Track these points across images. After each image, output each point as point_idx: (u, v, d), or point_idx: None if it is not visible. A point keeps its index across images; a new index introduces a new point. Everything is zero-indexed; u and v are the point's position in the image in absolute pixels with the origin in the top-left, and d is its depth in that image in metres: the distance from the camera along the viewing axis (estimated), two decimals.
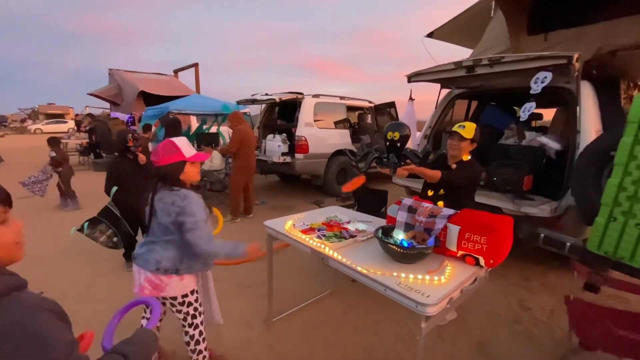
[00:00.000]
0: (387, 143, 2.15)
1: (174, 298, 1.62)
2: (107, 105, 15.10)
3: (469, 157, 2.21)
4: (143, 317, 1.80)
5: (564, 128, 3.58)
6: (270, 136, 6.04)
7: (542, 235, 2.79)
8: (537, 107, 2.98)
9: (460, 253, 1.63)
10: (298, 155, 5.65)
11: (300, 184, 7.27)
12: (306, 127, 5.70)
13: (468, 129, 2.14)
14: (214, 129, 7.88)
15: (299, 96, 5.88)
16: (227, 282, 2.93)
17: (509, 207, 2.91)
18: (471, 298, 1.65)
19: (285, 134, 5.97)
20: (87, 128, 9.87)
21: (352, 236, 1.92)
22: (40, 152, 6.55)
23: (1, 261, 0.63)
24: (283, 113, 7.05)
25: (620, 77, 3.40)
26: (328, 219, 2.28)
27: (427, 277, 1.45)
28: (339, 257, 1.66)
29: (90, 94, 14.36)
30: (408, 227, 1.78)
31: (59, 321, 0.63)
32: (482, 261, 1.56)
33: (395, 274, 1.48)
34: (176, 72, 16.38)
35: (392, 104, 7.17)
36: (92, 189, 6.60)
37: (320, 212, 2.52)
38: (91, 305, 2.49)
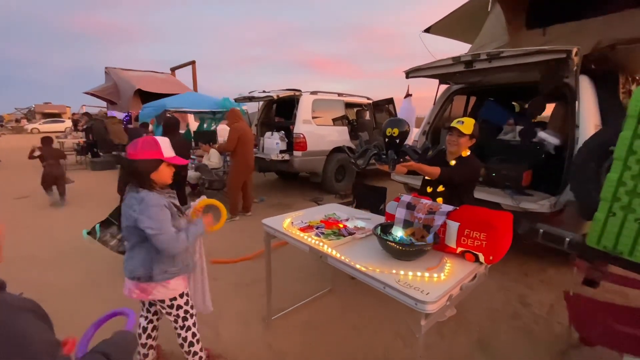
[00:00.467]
0: (386, 139, 2.12)
1: (162, 301, 1.60)
2: (104, 103, 15.03)
3: (468, 153, 2.20)
4: (141, 316, 1.80)
5: (563, 123, 3.57)
6: (268, 134, 6.01)
7: (542, 230, 2.78)
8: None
9: (459, 250, 1.62)
10: (296, 153, 5.62)
11: (299, 181, 7.26)
12: (304, 124, 5.68)
13: (467, 125, 2.12)
14: (213, 127, 7.84)
15: (297, 93, 5.85)
16: (225, 281, 2.92)
17: (508, 202, 2.90)
18: (470, 294, 1.65)
19: (283, 132, 5.95)
20: (84, 127, 9.82)
21: (350, 234, 1.90)
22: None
23: None
24: (281, 110, 7.02)
25: (619, 72, 3.38)
26: (326, 216, 2.26)
27: (427, 274, 1.44)
28: (338, 255, 1.64)
29: (87, 93, 14.28)
30: (407, 224, 1.76)
31: (40, 322, 0.62)
32: (481, 258, 1.55)
33: (394, 271, 1.46)
34: (173, 70, 16.31)
35: (390, 101, 7.14)
36: (90, 189, 6.58)
37: (319, 209, 2.51)
38: (89, 306, 2.48)
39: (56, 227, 4.32)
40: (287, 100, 6.04)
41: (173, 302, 1.61)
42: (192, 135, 7.35)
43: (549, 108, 4.32)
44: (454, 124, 2.16)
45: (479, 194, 2.94)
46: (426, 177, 2.26)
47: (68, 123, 21.97)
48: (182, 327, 1.67)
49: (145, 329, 1.79)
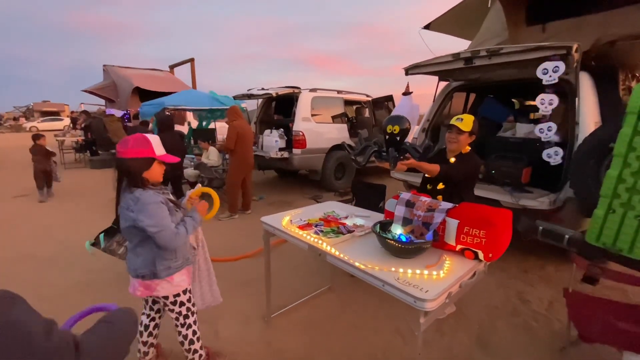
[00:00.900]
0: (387, 136, 2.11)
1: (166, 297, 1.60)
2: (103, 102, 14.98)
3: (468, 150, 2.19)
4: (143, 314, 1.80)
5: (563, 120, 3.56)
6: (267, 131, 5.99)
7: (541, 227, 2.78)
8: (535, 99, 2.95)
9: (459, 247, 1.62)
10: (295, 151, 5.61)
11: (298, 179, 7.25)
12: (303, 121, 5.66)
13: (466, 122, 2.11)
14: (213, 125, 7.82)
15: (296, 90, 5.82)
16: (225, 279, 2.91)
17: (508, 199, 2.90)
18: (470, 291, 1.64)
19: (282, 129, 5.92)
20: (83, 125, 9.79)
21: (349, 231, 1.90)
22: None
23: None
24: (280, 108, 7.00)
25: (619, 68, 3.37)
26: (325, 214, 2.26)
27: (426, 271, 1.44)
28: (337, 253, 1.64)
29: (85, 91, 14.23)
30: (406, 222, 1.76)
31: (24, 304, 0.61)
32: (481, 255, 1.55)
33: (393, 269, 1.46)
34: (172, 67, 16.25)
35: (389, 98, 7.12)
36: (89, 187, 6.57)
37: (318, 207, 2.50)
38: (89, 305, 2.47)
39: (55, 225, 4.31)
40: (286, 97, 6.01)
41: (176, 298, 1.62)
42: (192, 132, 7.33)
43: None
44: (452, 121, 2.16)
45: (479, 191, 2.93)
46: (426, 175, 2.25)
47: (67, 121, 21.90)
48: (183, 325, 1.67)
49: (147, 327, 1.79)
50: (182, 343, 1.71)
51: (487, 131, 3.85)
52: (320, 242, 1.77)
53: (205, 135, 6.62)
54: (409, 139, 4.41)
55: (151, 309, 1.79)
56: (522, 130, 3.66)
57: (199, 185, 1.91)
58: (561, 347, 2.08)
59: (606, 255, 2.16)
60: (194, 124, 8.72)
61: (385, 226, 1.79)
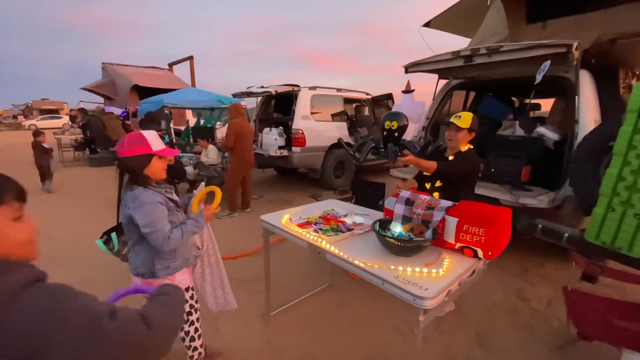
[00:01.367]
0: (385, 132, 2.11)
1: None
2: (102, 99, 14.93)
3: (467, 148, 2.18)
4: None
5: (563, 118, 3.56)
6: (266, 129, 5.98)
7: (540, 226, 2.79)
8: (535, 97, 2.95)
9: (458, 245, 1.61)
10: (295, 149, 5.60)
11: (298, 177, 7.24)
12: (303, 120, 5.65)
13: (464, 119, 2.11)
14: (218, 126, 7.80)
15: (296, 88, 5.81)
16: None
17: (507, 198, 2.90)
18: (469, 289, 1.64)
19: (282, 127, 5.91)
20: (81, 123, 9.76)
21: (349, 229, 1.90)
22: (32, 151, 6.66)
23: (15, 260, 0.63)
24: (279, 106, 6.98)
25: (619, 66, 3.36)
26: (325, 212, 2.25)
27: (425, 269, 1.43)
28: (336, 251, 1.64)
29: (84, 89, 14.18)
30: (406, 220, 1.76)
31: (82, 292, 0.64)
32: (480, 253, 1.55)
33: (392, 267, 1.46)
34: (171, 65, 16.19)
35: (389, 96, 7.11)
36: (88, 185, 6.56)
37: (318, 205, 2.50)
38: None
39: (55, 223, 4.31)
40: (285, 95, 6.00)
41: None
42: (191, 131, 7.31)
43: (549, 103, 4.31)
44: (452, 119, 2.15)
45: (478, 189, 2.93)
46: (424, 172, 2.25)
47: (66, 119, 21.84)
48: (185, 322, 1.67)
49: None
50: (182, 339, 1.70)
51: (486, 129, 3.84)
52: (319, 240, 1.76)
53: (204, 133, 6.60)
54: (409, 136, 4.41)
55: None
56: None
57: (202, 184, 1.89)
58: (560, 345, 2.09)
59: (605, 254, 2.16)
60: (193, 122, 8.69)
61: (384, 224, 1.79)
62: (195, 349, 1.72)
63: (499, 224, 1.50)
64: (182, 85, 13.17)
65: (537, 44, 2.63)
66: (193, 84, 14.55)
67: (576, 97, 2.88)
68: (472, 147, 2.20)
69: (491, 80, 3.89)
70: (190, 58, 14.84)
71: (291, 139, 5.63)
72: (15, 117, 30.87)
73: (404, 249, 1.57)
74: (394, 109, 6.98)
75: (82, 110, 11.18)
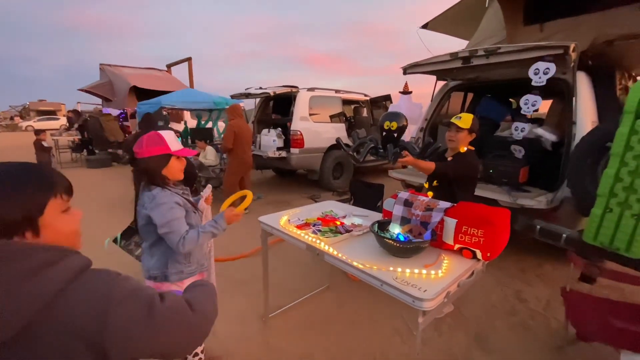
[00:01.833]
0: (384, 133, 2.11)
1: None
2: (100, 100, 14.88)
3: (467, 149, 2.18)
4: None
5: (560, 119, 3.57)
6: (265, 131, 5.98)
7: (538, 227, 2.79)
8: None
9: (457, 246, 1.61)
10: (293, 150, 5.60)
11: (296, 178, 7.24)
12: (301, 121, 5.65)
13: (464, 120, 2.11)
14: (210, 124, 7.79)
15: (294, 90, 5.81)
16: (222, 278, 2.90)
17: (506, 199, 2.90)
18: (468, 290, 1.64)
19: (280, 129, 5.91)
20: (77, 125, 9.74)
21: (347, 231, 1.89)
22: (31, 150, 6.73)
23: None
24: (278, 107, 6.98)
25: (616, 68, 3.38)
26: (324, 213, 2.25)
27: (424, 271, 1.43)
28: (335, 253, 1.63)
29: (82, 90, 14.14)
30: (404, 221, 1.76)
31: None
32: (479, 254, 1.55)
33: (391, 268, 1.46)
34: (169, 66, 16.17)
35: (387, 97, 7.13)
36: (86, 187, 6.52)
37: (316, 206, 2.49)
38: None
39: None
40: (284, 97, 6.00)
41: None
42: (189, 132, 7.28)
43: (546, 104, 4.32)
44: (452, 119, 2.16)
45: (476, 190, 2.94)
46: (422, 172, 2.25)
47: (63, 120, 21.76)
48: None
49: None
50: None
51: (485, 131, 3.85)
52: (318, 241, 1.76)
53: (202, 134, 6.59)
54: (407, 137, 4.42)
55: None
56: None
57: (209, 186, 1.88)
58: (559, 346, 2.09)
59: (603, 254, 2.17)
60: (191, 123, 8.67)
61: (383, 225, 1.79)
62: (196, 354, 1.71)
63: (498, 225, 1.50)
64: (180, 87, 13.15)
65: (534, 45, 2.64)
66: (191, 85, 14.54)
67: (573, 98, 2.89)
68: (472, 148, 2.20)
69: (489, 82, 3.91)
70: (189, 59, 14.82)
71: (290, 140, 5.63)
72: (12, 118, 30.75)
73: (402, 250, 1.57)
74: (390, 110, 6.99)
75: (75, 112, 11.15)
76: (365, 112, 7.18)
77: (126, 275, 0.65)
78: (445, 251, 1.64)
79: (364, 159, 2.15)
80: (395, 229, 1.75)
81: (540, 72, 2.59)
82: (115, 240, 2.44)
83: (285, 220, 2.10)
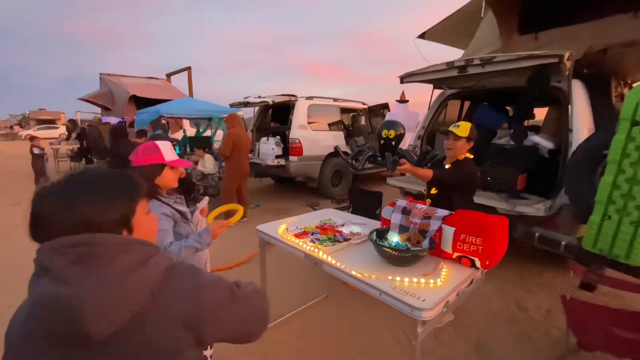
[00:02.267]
0: (382, 141, 2.12)
1: None
2: (99, 109, 14.93)
3: (465, 157, 2.19)
4: None
5: (557, 127, 3.59)
6: (264, 139, 6.00)
7: (537, 234, 2.79)
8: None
9: (455, 255, 1.61)
10: (292, 158, 5.61)
11: (295, 186, 7.23)
12: (300, 129, 5.67)
13: (462, 128, 2.13)
14: (209, 133, 7.82)
15: (292, 98, 5.85)
16: None
17: (504, 206, 2.90)
18: (468, 299, 1.63)
19: (279, 137, 5.93)
20: (75, 135, 9.77)
21: (346, 239, 1.88)
22: (29, 158, 6.86)
23: None
24: (276, 115, 7.02)
25: (611, 75, 3.42)
26: (322, 222, 2.24)
27: (423, 280, 1.42)
28: (333, 261, 1.62)
29: (81, 99, 14.19)
30: (402, 229, 1.75)
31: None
32: (478, 263, 1.54)
33: (390, 277, 1.45)
34: (169, 76, 16.28)
35: (385, 106, 7.18)
36: None
37: (315, 215, 2.49)
38: None
39: None
40: (282, 105, 6.04)
41: None
42: (188, 140, 7.31)
43: (543, 112, 4.36)
44: (450, 128, 2.17)
45: (474, 197, 2.95)
46: (420, 180, 2.25)
47: (62, 129, 21.79)
48: None
49: None
50: None
51: (481, 138, 3.87)
52: (316, 250, 1.75)
53: (201, 143, 6.61)
54: (405, 145, 4.43)
55: None
56: None
57: (206, 198, 1.87)
58: (560, 355, 2.06)
59: (603, 262, 2.16)
60: (190, 131, 8.70)
61: (381, 234, 1.78)
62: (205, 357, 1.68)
63: (496, 233, 1.50)
64: (179, 96, 13.22)
65: (529, 54, 2.68)
66: (191, 94, 14.62)
67: (569, 106, 2.92)
68: (471, 156, 2.21)
69: (486, 90, 3.94)
70: (188, 69, 14.94)
71: (288, 148, 5.64)
72: (11, 127, 30.81)
73: (401, 259, 1.56)
74: (387, 118, 7.03)
75: (72, 121, 11.20)
76: (363, 120, 7.23)
77: (201, 268, 0.72)
78: (444, 259, 1.63)
79: (362, 166, 2.15)
80: (394, 237, 1.74)
81: None
82: None
83: (284, 228, 2.09)
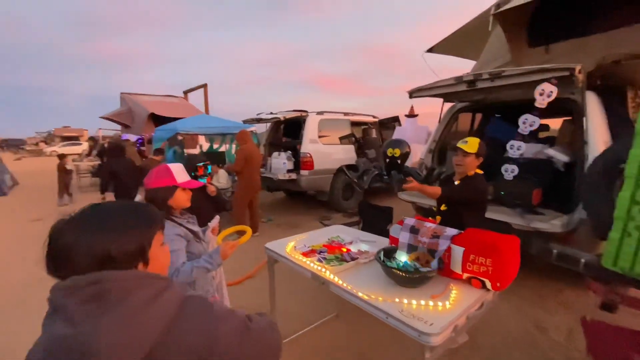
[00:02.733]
0: (387, 160, 2.12)
1: None
2: (119, 127, 15.53)
3: (475, 173, 2.16)
4: None
5: (572, 139, 3.51)
6: (275, 154, 6.09)
7: (555, 251, 2.69)
8: (543, 117, 2.93)
9: (465, 275, 1.57)
10: (303, 172, 5.66)
11: (306, 199, 7.25)
12: (311, 143, 5.73)
13: (471, 144, 2.11)
14: (224, 148, 7.98)
15: (303, 114, 5.94)
16: (230, 306, 2.89)
17: (519, 222, 2.82)
18: (483, 318, 1.58)
19: (290, 151, 6.01)
20: (97, 152, 10.17)
21: (353, 258, 1.87)
22: (54, 174, 7.43)
23: None
24: (288, 130, 7.13)
25: (627, 86, 3.33)
26: (330, 239, 2.24)
27: (431, 302, 1.39)
28: (340, 282, 1.61)
29: (103, 117, 14.82)
30: (411, 249, 1.73)
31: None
32: (488, 284, 1.50)
33: (397, 299, 1.43)
34: (186, 93, 16.84)
35: (396, 119, 7.18)
36: None
37: (323, 232, 2.49)
38: None
39: None
40: (294, 121, 6.13)
41: None
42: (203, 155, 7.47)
43: (557, 123, 4.26)
44: (458, 144, 2.16)
45: (488, 213, 2.88)
46: (429, 198, 2.23)
47: (85, 145, 22.71)
48: None
49: None
50: None
51: (495, 152, 3.80)
52: (323, 270, 1.75)
53: (215, 158, 6.74)
54: (416, 158, 4.40)
55: None
56: (530, 150, 3.61)
57: (217, 217, 1.91)
58: None
59: (624, 281, 2.06)
60: (206, 147, 8.90)
61: (389, 253, 1.76)
62: None
63: (506, 253, 1.47)
64: (195, 113, 13.62)
65: (539, 68, 2.65)
66: (206, 111, 15.05)
67: (584, 118, 2.85)
68: (481, 172, 2.18)
69: (497, 103, 3.90)
70: (204, 86, 15.42)
71: (300, 162, 5.70)
72: (37, 144, 32.34)
73: (409, 280, 1.54)
74: (395, 133, 7.02)
75: (92, 139, 11.66)
76: (374, 133, 7.24)
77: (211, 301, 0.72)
78: (453, 280, 1.60)
79: (368, 185, 2.16)
80: (402, 257, 1.72)
81: (545, 95, 2.58)
82: None
83: (292, 247, 2.10)
